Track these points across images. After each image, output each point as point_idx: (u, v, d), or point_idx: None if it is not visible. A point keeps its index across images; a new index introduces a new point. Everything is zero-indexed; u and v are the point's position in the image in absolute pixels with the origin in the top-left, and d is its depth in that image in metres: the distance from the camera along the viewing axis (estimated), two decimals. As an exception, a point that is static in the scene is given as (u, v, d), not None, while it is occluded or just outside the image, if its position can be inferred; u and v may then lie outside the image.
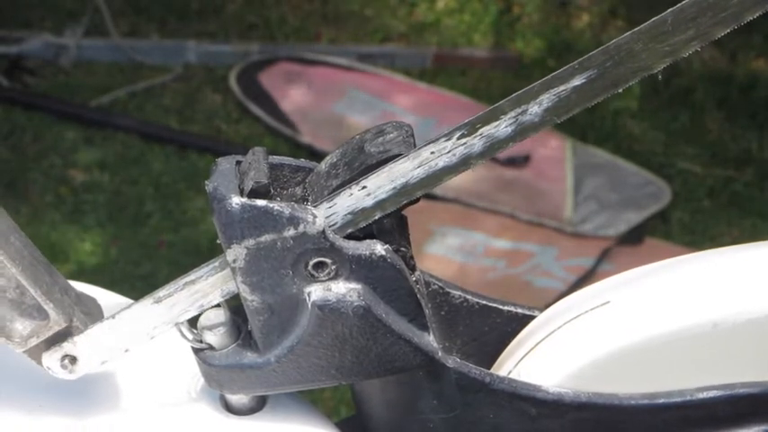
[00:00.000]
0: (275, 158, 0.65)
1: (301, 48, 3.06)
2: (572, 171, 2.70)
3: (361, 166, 0.63)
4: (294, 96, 2.91)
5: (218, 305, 0.66)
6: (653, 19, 0.59)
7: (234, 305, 0.66)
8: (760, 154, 2.84)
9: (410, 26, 3.16)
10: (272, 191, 0.63)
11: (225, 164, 0.64)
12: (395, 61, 3.05)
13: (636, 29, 0.59)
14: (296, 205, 0.61)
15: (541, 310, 0.70)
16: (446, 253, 2.46)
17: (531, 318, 0.70)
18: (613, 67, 0.60)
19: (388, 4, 3.21)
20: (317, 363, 0.64)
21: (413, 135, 0.64)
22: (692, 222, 2.64)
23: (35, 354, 0.66)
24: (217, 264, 0.64)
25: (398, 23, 3.17)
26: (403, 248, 0.65)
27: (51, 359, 0.66)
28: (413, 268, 0.66)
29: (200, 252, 2.40)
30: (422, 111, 2.86)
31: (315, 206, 0.62)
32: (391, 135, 0.64)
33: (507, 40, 3.13)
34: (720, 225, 2.63)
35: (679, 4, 0.59)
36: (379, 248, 0.62)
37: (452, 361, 0.65)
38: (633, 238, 2.57)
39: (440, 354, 0.64)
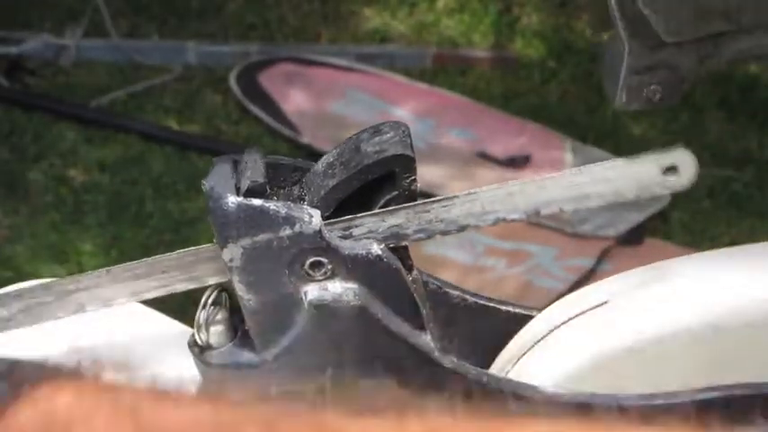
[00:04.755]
0: (272, 158, 0.65)
1: (301, 48, 3.06)
2: (572, 171, 2.69)
3: (357, 165, 0.63)
4: (294, 97, 2.91)
5: (215, 304, 0.66)
6: None
7: (231, 304, 0.66)
8: (760, 154, 2.84)
9: (410, 26, 3.16)
10: (269, 190, 0.63)
11: (222, 163, 0.64)
12: (395, 61, 3.04)
13: None
14: (292, 205, 0.62)
15: (540, 310, 0.70)
16: (446, 253, 2.45)
17: (530, 318, 0.70)
18: None
19: (389, 4, 3.20)
20: (313, 362, 0.64)
21: (409, 135, 0.64)
22: (692, 222, 2.64)
23: None
24: (203, 248, 0.65)
25: (398, 23, 3.17)
26: (400, 248, 0.65)
27: None
28: (410, 268, 0.66)
29: (200, 252, 2.39)
30: (421, 111, 2.86)
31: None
32: (388, 135, 0.64)
33: (507, 40, 3.13)
34: (720, 225, 2.63)
35: None
36: (376, 248, 0.62)
37: (450, 361, 0.65)
38: (633, 238, 2.56)
39: (437, 353, 0.64)
